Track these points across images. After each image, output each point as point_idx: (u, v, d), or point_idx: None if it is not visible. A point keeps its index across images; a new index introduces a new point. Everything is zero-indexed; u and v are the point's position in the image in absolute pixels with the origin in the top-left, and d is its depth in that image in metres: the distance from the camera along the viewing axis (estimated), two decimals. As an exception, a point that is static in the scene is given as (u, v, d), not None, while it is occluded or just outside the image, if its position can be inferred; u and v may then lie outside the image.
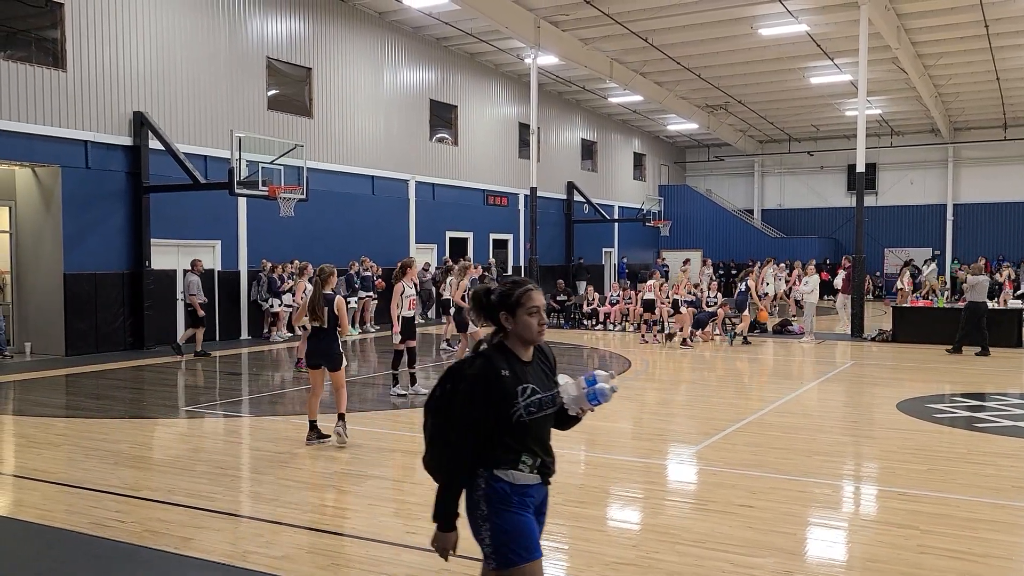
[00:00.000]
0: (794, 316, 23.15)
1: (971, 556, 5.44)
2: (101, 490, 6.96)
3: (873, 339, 18.95)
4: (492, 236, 28.82)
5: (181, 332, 17.01)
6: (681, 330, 18.07)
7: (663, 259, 37.62)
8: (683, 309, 18.31)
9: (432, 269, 24.38)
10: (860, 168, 20.21)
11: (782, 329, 20.41)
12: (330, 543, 5.73)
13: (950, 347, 16.59)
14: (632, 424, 10.14)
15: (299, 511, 6.39)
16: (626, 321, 22.18)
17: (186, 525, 6.07)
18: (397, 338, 11.12)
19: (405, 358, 11.38)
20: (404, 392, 11.47)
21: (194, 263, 16.21)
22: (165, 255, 17.79)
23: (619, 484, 7.31)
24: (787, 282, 25.75)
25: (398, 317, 11.05)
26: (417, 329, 11.74)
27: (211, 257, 18.63)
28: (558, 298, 23.39)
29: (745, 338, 18.30)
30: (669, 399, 11.90)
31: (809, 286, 19.15)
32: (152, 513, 6.36)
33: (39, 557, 5.64)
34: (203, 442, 9.09)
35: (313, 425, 8.66)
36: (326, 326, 8.51)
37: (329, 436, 8.60)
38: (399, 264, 11.27)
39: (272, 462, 7.97)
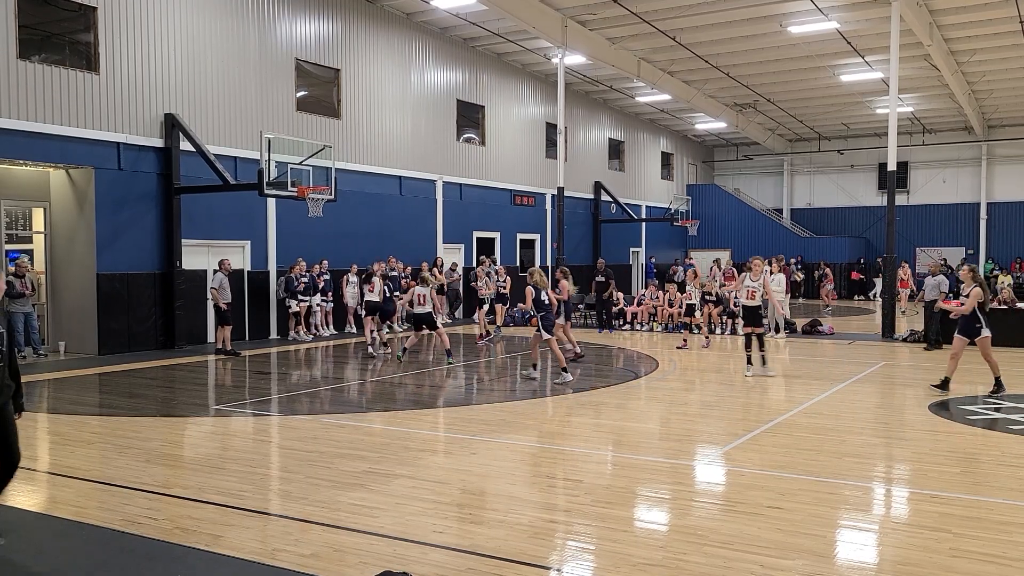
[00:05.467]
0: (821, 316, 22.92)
1: (1005, 560, 5.35)
2: (133, 487, 7.06)
3: (904, 340, 18.72)
4: (519, 236, 28.83)
5: (213, 333, 17.21)
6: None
7: (691, 259, 37.40)
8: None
9: (459, 269, 24.44)
10: (891, 166, 19.98)
11: (811, 329, 20.25)
12: (358, 541, 5.77)
13: (926, 344, 17.57)
14: (660, 425, 10.10)
15: (328, 509, 6.44)
16: (653, 321, 22.12)
17: (216, 523, 6.14)
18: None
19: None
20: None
21: (221, 262, 16.48)
22: (196, 255, 17.99)
23: (646, 485, 7.29)
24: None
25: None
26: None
27: (240, 257, 18.81)
28: (585, 299, 23.34)
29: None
30: (697, 399, 11.83)
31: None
32: (183, 510, 6.43)
33: (72, 553, 5.72)
34: (233, 441, 9.18)
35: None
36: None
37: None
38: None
39: (301, 461, 8.03)
